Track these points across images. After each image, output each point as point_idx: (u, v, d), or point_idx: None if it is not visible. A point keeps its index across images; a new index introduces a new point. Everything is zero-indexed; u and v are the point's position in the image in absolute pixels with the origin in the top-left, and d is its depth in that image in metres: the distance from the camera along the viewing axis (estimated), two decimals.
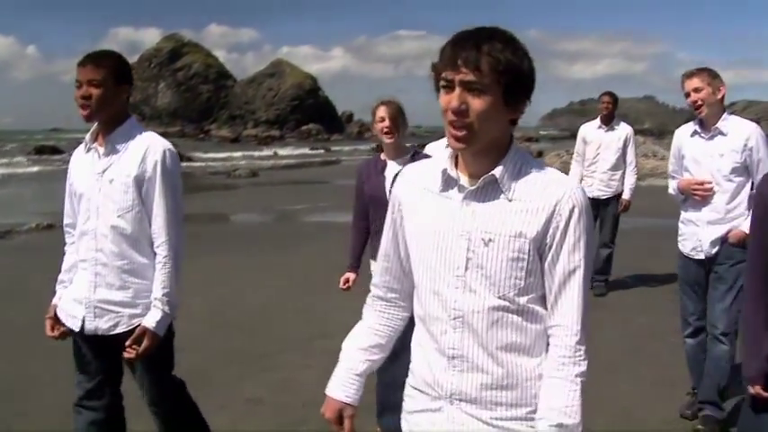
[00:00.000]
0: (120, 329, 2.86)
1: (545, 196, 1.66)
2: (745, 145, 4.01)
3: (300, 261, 8.94)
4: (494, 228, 1.66)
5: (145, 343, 2.79)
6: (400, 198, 1.85)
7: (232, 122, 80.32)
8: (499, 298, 1.68)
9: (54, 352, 3.52)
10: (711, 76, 4.04)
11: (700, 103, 4.02)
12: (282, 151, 46.81)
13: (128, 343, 2.78)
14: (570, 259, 1.67)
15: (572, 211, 1.65)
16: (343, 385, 1.90)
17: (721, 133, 4.06)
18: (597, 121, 7.30)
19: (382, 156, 3.97)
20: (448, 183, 1.73)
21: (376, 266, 1.99)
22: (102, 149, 2.89)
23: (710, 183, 4.04)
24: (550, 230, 1.66)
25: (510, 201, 1.67)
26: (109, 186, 2.84)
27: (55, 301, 3.05)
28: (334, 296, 6.97)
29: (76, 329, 2.91)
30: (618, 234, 7.40)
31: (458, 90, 1.61)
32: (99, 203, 2.86)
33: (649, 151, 18.97)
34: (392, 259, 1.91)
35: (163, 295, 2.84)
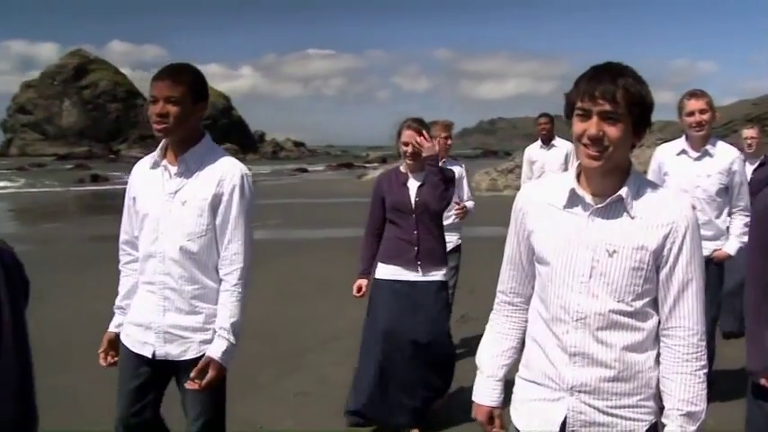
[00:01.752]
0: (189, 355, 2.74)
1: (663, 214, 1.88)
2: (730, 168, 4.31)
3: (273, 276, 9.25)
4: (618, 241, 1.87)
5: (210, 374, 2.66)
6: (525, 211, 2.04)
7: (143, 143, 78.39)
8: (618, 302, 1.88)
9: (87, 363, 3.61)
10: (711, 101, 4.30)
11: (704, 123, 4.25)
12: None
13: (192, 375, 2.66)
14: (688, 270, 1.88)
15: (687, 228, 1.88)
16: (489, 392, 2.13)
17: (709, 155, 4.33)
18: (539, 143, 7.63)
19: (402, 169, 4.34)
20: (573, 200, 1.93)
21: (502, 272, 2.16)
22: (174, 168, 2.75)
23: (693, 207, 4.42)
24: (668, 244, 1.87)
25: (632, 218, 1.88)
26: (181, 208, 2.71)
27: (113, 328, 2.94)
28: (323, 305, 7.62)
29: (149, 356, 2.78)
30: None
31: (595, 119, 1.82)
32: (169, 225, 2.72)
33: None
34: (517, 267, 2.10)
35: (231, 324, 2.71)
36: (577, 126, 1.85)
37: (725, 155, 4.37)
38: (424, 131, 4.27)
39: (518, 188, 8.05)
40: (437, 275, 4.20)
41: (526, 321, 2.12)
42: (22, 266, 1.28)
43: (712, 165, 4.34)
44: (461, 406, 4.53)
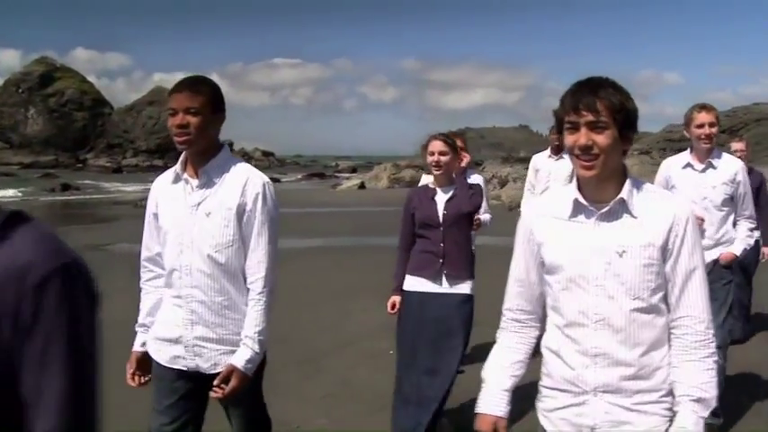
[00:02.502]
0: (220, 368, 2.72)
1: (663, 210, 1.98)
2: (734, 179, 4.44)
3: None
4: (626, 241, 1.95)
5: (232, 383, 2.65)
6: (532, 227, 2.11)
7: (110, 152, 77.65)
8: (634, 299, 1.95)
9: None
10: (719, 115, 4.48)
11: (713, 136, 4.39)
12: None
13: (216, 382, 2.65)
14: (691, 260, 1.97)
15: (687, 221, 1.98)
16: (495, 402, 2.14)
17: (713, 167, 4.47)
18: (548, 152, 7.71)
19: (431, 184, 4.37)
20: (577, 209, 2.02)
21: (508, 291, 2.21)
22: (195, 181, 2.75)
23: (702, 218, 4.30)
24: (671, 238, 1.96)
25: (635, 217, 1.97)
26: (206, 220, 2.72)
27: (137, 347, 2.91)
28: (329, 311, 7.80)
29: (185, 369, 2.77)
30: None
31: (583, 130, 1.92)
32: (194, 237, 2.72)
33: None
34: (525, 284, 2.15)
35: (255, 333, 2.71)
36: (568, 139, 1.96)
37: (729, 166, 4.53)
38: (457, 142, 4.40)
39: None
40: (463, 288, 4.21)
41: (533, 337, 2.18)
42: (89, 279, 1.19)
43: (717, 176, 4.49)
44: (466, 412, 4.64)
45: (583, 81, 1.97)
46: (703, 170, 4.53)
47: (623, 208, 1.98)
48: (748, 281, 6.60)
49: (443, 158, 4.23)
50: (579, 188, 2.02)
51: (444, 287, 4.19)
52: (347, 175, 51.43)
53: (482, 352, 5.43)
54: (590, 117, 1.90)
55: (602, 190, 1.99)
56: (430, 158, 4.27)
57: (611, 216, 1.98)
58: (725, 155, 4.67)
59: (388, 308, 4.35)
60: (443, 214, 4.25)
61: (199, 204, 2.74)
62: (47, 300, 1.14)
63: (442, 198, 4.27)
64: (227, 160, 2.78)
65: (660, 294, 1.97)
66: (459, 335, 4.20)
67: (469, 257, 4.37)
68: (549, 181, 7.49)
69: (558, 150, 7.60)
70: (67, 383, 1.16)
